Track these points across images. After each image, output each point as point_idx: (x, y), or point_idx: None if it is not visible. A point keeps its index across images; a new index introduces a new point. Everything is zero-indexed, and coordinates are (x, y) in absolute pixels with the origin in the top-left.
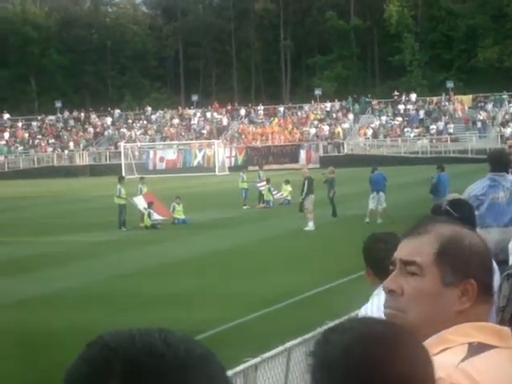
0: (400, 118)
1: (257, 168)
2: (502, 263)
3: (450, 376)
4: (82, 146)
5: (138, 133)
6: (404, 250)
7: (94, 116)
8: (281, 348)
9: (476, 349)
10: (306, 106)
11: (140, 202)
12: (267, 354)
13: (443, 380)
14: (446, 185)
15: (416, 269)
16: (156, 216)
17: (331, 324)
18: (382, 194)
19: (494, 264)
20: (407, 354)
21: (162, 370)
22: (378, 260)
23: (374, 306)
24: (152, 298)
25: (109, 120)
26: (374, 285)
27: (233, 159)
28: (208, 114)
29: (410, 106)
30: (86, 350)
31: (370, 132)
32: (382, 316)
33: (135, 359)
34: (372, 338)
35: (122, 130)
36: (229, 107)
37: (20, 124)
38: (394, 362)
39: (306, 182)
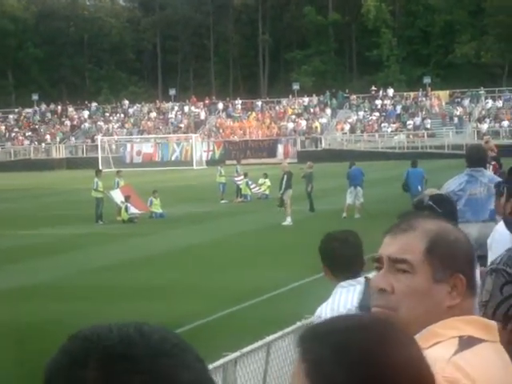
0: (377, 113)
1: (234, 162)
2: (481, 258)
3: (442, 370)
4: (58, 139)
5: (115, 126)
6: (392, 248)
7: (70, 109)
8: (260, 342)
9: (467, 342)
10: (284, 101)
11: (117, 196)
12: (246, 349)
13: (436, 374)
14: (417, 180)
15: (407, 266)
16: (133, 210)
17: (310, 318)
18: (359, 188)
19: None
20: (403, 350)
21: (134, 356)
22: (333, 258)
23: (328, 307)
24: (129, 291)
25: (86, 113)
26: (333, 283)
27: (210, 153)
28: (186, 108)
29: (387, 101)
30: (66, 342)
31: (347, 127)
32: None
33: (109, 348)
34: (367, 335)
35: (98, 123)
36: (206, 101)
37: None
38: (390, 358)
39: (285, 176)
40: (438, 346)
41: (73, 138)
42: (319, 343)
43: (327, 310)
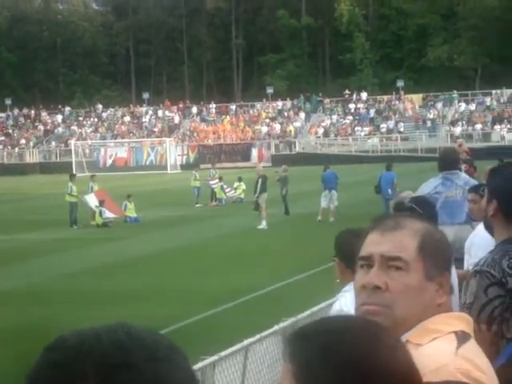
0: (351, 117)
1: (209, 166)
2: (457, 261)
3: (453, 361)
4: (32, 143)
5: (88, 130)
6: (384, 246)
7: (44, 113)
8: (238, 346)
9: (462, 337)
10: (258, 105)
11: (91, 200)
12: (224, 352)
13: (447, 365)
14: (387, 184)
15: (400, 264)
16: (108, 214)
17: (288, 321)
18: (334, 192)
19: None
20: (392, 352)
21: (132, 363)
22: (353, 256)
23: (348, 302)
24: (105, 295)
25: (59, 117)
26: (345, 280)
27: (185, 157)
28: (159, 112)
29: (360, 105)
30: (49, 353)
31: (321, 131)
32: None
33: (104, 357)
34: (356, 336)
35: (72, 127)
36: (180, 105)
37: None
38: (379, 360)
39: (260, 180)
40: (437, 341)
41: (46, 143)
42: (307, 344)
43: (348, 305)
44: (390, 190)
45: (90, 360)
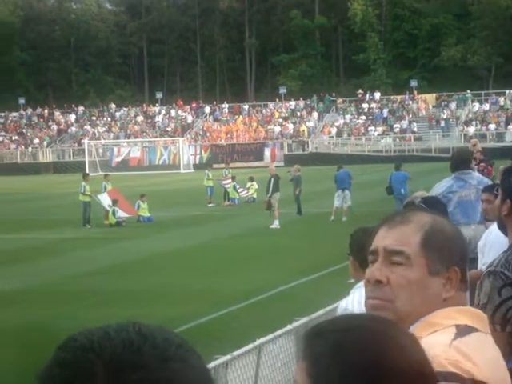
0: (364, 117)
1: (222, 166)
2: (471, 261)
3: (445, 352)
4: (45, 143)
5: (101, 130)
6: (388, 240)
7: (57, 113)
8: (251, 345)
9: (464, 330)
10: (271, 104)
11: (105, 199)
12: (237, 352)
13: (439, 356)
14: (400, 183)
15: (402, 258)
16: (121, 213)
17: (301, 320)
18: (347, 192)
19: None
20: (404, 351)
21: (143, 363)
22: (365, 253)
23: (356, 299)
24: (118, 295)
25: (72, 117)
26: (358, 277)
27: (198, 157)
28: (172, 112)
29: (373, 105)
30: (60, 353)
31: (334, 130)
32: (363, 309)
33: (115, 356)
34: (368, 334)
35: (85, 127)
36: (193, 105)
37: None
38: (390, 359)
39: (273, 179)
40: (436, 334)
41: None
42: (319, 341)
43: (354, 303)
44: (402, 190)
45: (100, 359)
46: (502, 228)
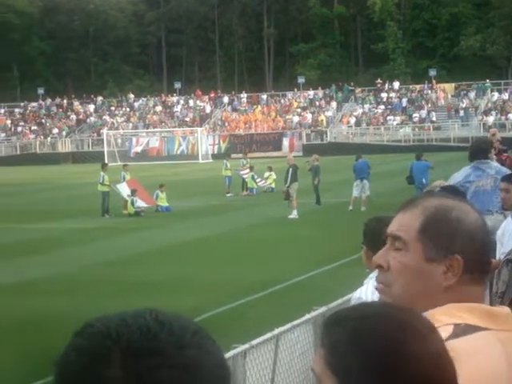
0: (383, 106)
1: (240, 156)
2: None
3: None
4: (64, 133)
5: (120, 120)
6: (393, 225)
7: (76, 103)
8: (269, 334)
9: (462, 330)
10: (289, 94)
11: (124, 189)
12: (256, 341)
13: None
14: (421, 173)
15: (401, 244)
16: (140, 203)
17: (319, 310)
18: (365, 181)
19: None
20: (422, 340)
21: (160, 349)
22: (381, 243)
23: (369, 289)
24: (137, 285)
25: (91, 107)
26: (370, 267)
27: (216, 147)
28: (191, 102)
29: (392, 94)
30: (77, 339)
31: (352, 120)
32: (376, 299)
33: (132, 343)
34: (386, 323)
35: (104, 117)
36: (212, 95)
37: (2, 111)
38: (407, 347)
39: (291, 169)
40: None
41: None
42: (338, 328)
43: (368, 293)
44: (424, 180)
45: (117, 346)
46: None
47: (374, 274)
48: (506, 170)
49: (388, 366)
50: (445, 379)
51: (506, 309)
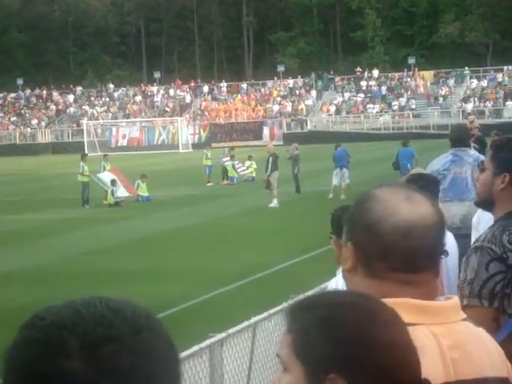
0: (362, 95)
1: (221, 145)
2: (465, 237)
3: None
4: (44, 123)
5: (100, 110)
6: None
7: (55, 93)
8: (246, 323)
9: None
10: (269, 83)
11: (107, 177)
12: (233, 329)
13: None
14: (407, 159)
15: None
16: (122, 191)
17: (296, 298)
18: (345, 170)
19: (451, 238)
20: (390, 329)
21: (117, 336)
22: None
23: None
24: (117, 274)
25: (71, 97)
26: (341, 257)
27: (196, 136)
28: (171, 91)
29: (372, 83)
30: (29, 332)
31: (332, 108)
32: None
33: (89, 332)
34: (354, 310)
35: (84, 107)
36: (191, 84)
37: None
38: (376, 336)
39: (271, 158)
40: None
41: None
42: (306, 314)
43: (343, 284)
44: (409, 165)
45: (74, 336)
46: (486, 204)
47: None
48: (482, 158)
49: (357, 354)
50: (410, 368)
51: (447, 300)
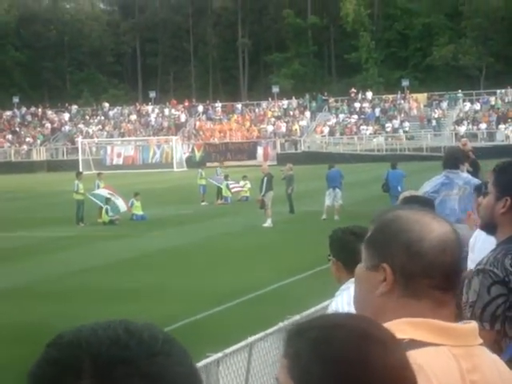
0: (356, 116)
1: (216, 164)
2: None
3: None
4: (39, 141)
5: (95, 129)
6: None
7: (51, 112)
8: (242, 343)
9: (405, 346)
10: (264, 104)
11: (103, 193)
12: (229, 349)
13: None
14: (397, 181)
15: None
16: (120, 203)
17: (292, 319)
18: (338, 190)
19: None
20: (384, 350)
21: (131, 358)
22: (349, 252)
23: (345, 301)
24: (111, 293)
25: (66, 116)
26: (341, 278)
27: (191, 155)
28: (166, 111)
29: (366, 104)
30: (49, 350)
31: (326, 129)
32: (352, 311)
33: (102, 353)
34: (346, 332)
35: (79, 125)
36: (186, 104)
37: None
38: (369, 357)
39: (266, 178)
40: None
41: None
42: (300, 338)
43: (344, 305)
44: (399, 188)
45: (87, 356)
46: (489, 228)
47: (346, 285)
48: (475, 181)
49: (349, 375)
50: None
51: (467, 324)
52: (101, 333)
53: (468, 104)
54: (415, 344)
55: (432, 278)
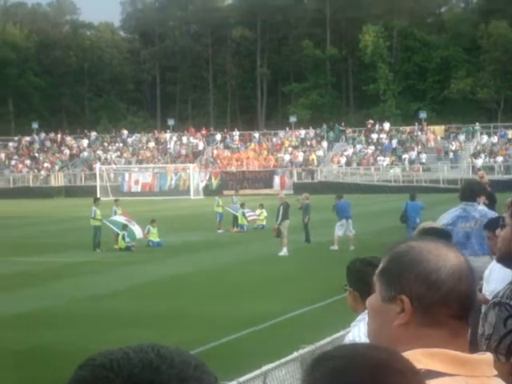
0: (373, 147)
1: (232, 192)
2: None
3: None
4: (57, 167)
5: (113, 155)
6: None
7: (69, 138)
8: (257, 372)
9: (422, 376)
10: (281, 133)
11: (119, 219)
12: (243, 378)
13: None
14: (416, 213)
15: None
16: (137, 229)
17: (306, 348)
18: (350, 221)
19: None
20: (401, 380)
21: (161, 382)
22: (366, 283)
23: (362, 332)
24: (127, 319)
25: (85, 142)
26: (358, 309)
27: (208, 183)
28: (184, 139)
29: (383, 135)
30: (80, 371)
31: (343, 160)
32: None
33: (134, 375)
34: (364, 362)
35: (97, 152)
36: (204, 132)
37: None
38: None
39: (282, 207)
40: None
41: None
42: (318, 369)
43: (361, 335)
44: (417, 220)
45: (119, 378)
46: (507, 260)
47: (362, 316)
48: (491, 214)
49: None
50: None
51: (482, 355)
52: (132, 356)
53: (485, 137)
54: (431, 374)
55: (450, 307)
